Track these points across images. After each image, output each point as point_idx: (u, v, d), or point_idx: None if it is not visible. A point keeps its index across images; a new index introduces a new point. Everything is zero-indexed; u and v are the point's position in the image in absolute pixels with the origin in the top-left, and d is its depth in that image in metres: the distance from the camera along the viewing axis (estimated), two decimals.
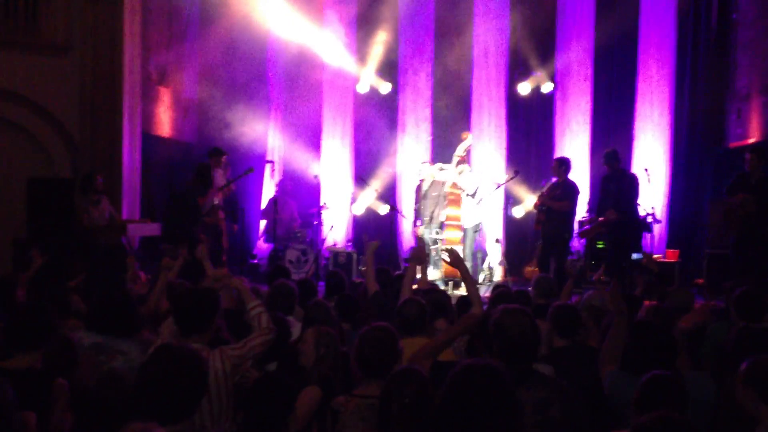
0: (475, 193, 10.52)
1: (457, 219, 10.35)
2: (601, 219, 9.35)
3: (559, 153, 11.78)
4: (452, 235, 10.25)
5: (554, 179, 9.77)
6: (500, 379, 2.73)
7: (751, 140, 10.52)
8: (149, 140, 10.63)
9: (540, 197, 9.68)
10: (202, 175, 9.45)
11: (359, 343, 3.44)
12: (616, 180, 9.21)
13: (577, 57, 11.89)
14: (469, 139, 10.61)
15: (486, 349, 4.04)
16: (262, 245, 12.13)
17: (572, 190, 9.59)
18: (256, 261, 11.92)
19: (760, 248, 8.43)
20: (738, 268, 8.39)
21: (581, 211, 10.91)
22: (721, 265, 9.44)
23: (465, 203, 10.44)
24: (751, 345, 3.90)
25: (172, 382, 2.60)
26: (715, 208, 9.87)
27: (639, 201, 9.60)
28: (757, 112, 10.59)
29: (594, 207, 11.03)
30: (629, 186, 9.23)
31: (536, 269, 9.77)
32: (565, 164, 9.69)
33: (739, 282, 5.94)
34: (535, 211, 9.78)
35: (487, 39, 12.13)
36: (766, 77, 10.28)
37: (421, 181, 11.21)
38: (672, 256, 10.45)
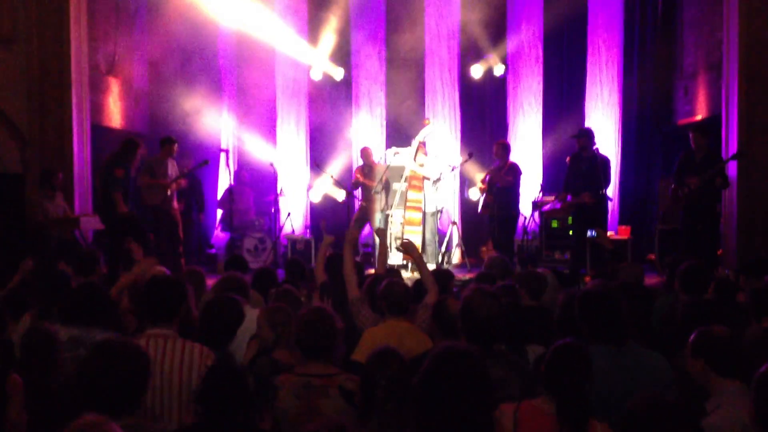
0: (438, 179, 10.67)
1: (419, 202, 10.41)
2: (573, 200, 9.32)
3: (512, 134, 11.94)
4: (413, 216, 10.31)
5: (496, 162, 10.11)
6: (474, 360, 2.80)
7: (699, 117, 10.75)
8: (99, 132, 10.48)
9: (483, 181, 9.95)
10: (125, 147, 9.27)
11: (298, 325, 3.54)
12: (588, 160, 9.21)
13: (527, 39, 12.00)
14: (430, 125, 10.66)
15: (444, 330, 4.09)
16: (220, 234, 12.07)
17: (518, 171, 10.00)
18: (213, 251, 11.86)
19: (707, 222, 8.65)
20: (687, 243, 8.59)
21: (535, 191, 11.06)
22: (671, 241, 9.66)
23: (427, 188, 10.55)
24: (698, 318, 4.02)
25: (113, 376, 2.62)
26: (664, 187, 10.07)
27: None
28: (703, 88, 10.81)
29: (548, 187, 11.22)
30: (604, 168, 9.29)
31: (492, 250, 9.90)
32: (507, 148, 10.14)
33: (681, 256, 6.10)
34: (482, 194, 9.97)
35: (439, 22, 12.16)
36: (711, 55, 10.49)
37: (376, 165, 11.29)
38: (624, 232, 10.66)
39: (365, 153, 11.25)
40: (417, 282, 5.78)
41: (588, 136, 9.37)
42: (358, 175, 11.15)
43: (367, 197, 11.06)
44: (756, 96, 9.08)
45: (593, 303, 3.67)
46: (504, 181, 9.80)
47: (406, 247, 5.32)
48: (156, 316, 3.65)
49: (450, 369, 2.75)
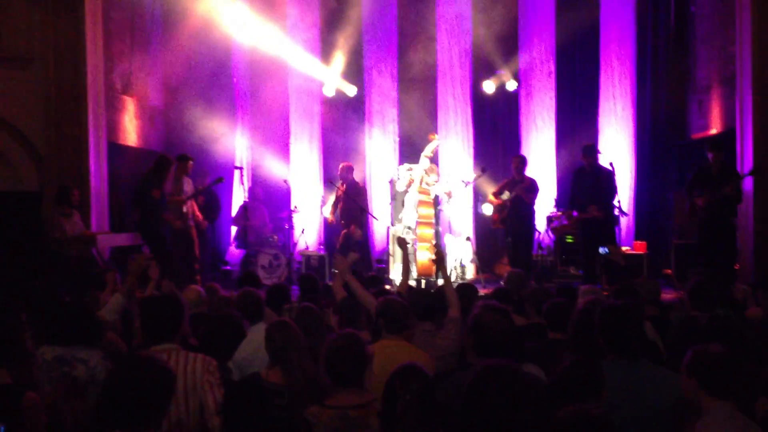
0: (450, 192, 10.71)
1: (430, 218, 10.42)
2: (580, 215, 9.27)
3: (525, 149, 11.93)
4: (425, 233, 10.31)
5: (510, 176, 10.11)
6: (519, 379, 2.76)
7: (713, 131, 10.72)
8: (115, 150, 10.57)
9: (496, 195, 9.92)
10: (159, 166, 9.45)
11: (327, 351, 3.40)
12: (592, 175, 9.20)
13: (539, 54, 12.02)
14: (436, 140, 10.70)
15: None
16: (234, 251, 12.10)
17: (537, 187, 9.96)
18: (228, 267, 11.89)
19: (723, 237, 8.60)
20: (703, 258, 8.54)
21: (549, 206, 11.07)
22: (688, 256, 9.61)
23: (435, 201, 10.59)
24: (698, 334, 3.98)
25: (139, 391, 2.64)
26: (679, 201, 10.04)
27: (617, 196, 9.57)
28: (717, 103, 10.79)
29: (563, 202, 11.21)
30: (608, 182, 9.27)
31: (507, 266, 9.89)
32: (525, 162, 10.08)
33: (700, 272, 6.07)
34: (497, 208, 9.93)
35: (451, 39, 12.21)
36: (724, 68, 10.47)
37: (392, 181, 11.33)
38: (639, 247, 10.60)
39: (348, 170, 11.12)
40: (462, 286, 5.77)
41: (594, 151, 9.37)
42: (340, 194, 11.00)
43: (348, 216, 10.95)
44: None
45: (615, 317, 3.64)
46: (528, 197, 9.78)
47: (438, 257, 5.37)
48: (157, 334, 3.74)
49: (496, 387, 2.71)
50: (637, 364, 3.59)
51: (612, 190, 9.30)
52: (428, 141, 10.66)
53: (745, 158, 9.26)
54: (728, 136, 9.84)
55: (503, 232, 10.02)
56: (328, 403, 3.30)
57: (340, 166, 11.25)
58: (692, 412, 3.19)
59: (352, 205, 10.75)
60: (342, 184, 11.01)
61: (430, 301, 4.88)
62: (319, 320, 4.69)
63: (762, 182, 9.02)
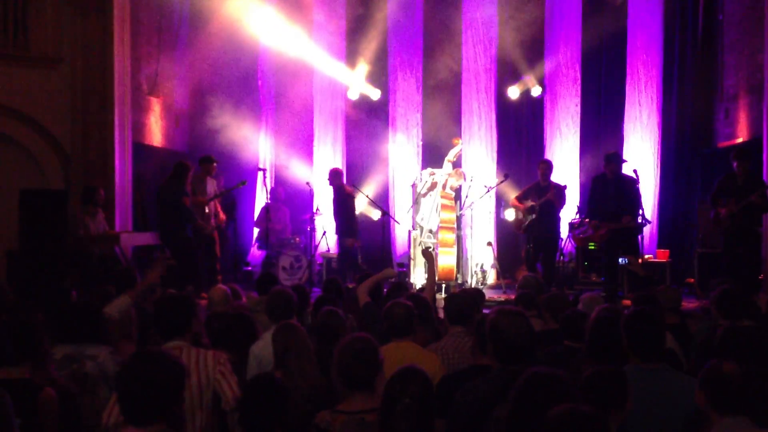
0: (471, 205, 10.70)
1: (452, 222, 10.41)
2: (611, 226, 9.11)
3: (549, 156, 11.86)
4: (447, 238, 10.30)
5: (535, 181, 9.94)
6: (566, 387, 2.76)
7: (739, 140, 10.60)
8: (141, 150, 10.69)
9: (519, 199, 9.80)
10: (179, 172, 9.50)
11: (339, 355, 3.34)
12: (614, 183, 9.07)
13: (565, 61, 11.98)
14: (459, 145, 10.69)
15: (480, 349, 4.06)
16: (256, 252, 12.17)
17: (565, 192, 9.79)
18: (249, 268, 11.95)
19: (748, 246, 8.49)
20: (727, 267, 8.44)
21: (572, 213, 11.00)
22: (711, 264, 9.51)
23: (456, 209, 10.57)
24: (733, 344, 3.94)
25: (150, 384, 2.67)
26: (703, 210, 9.92)
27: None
28: (744, 111, 10.67)
29: (584, 209, 11.12)
30: (634, 191, 9.13)
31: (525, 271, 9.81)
32: (551, 167, 9.90)
33: (725, 280, 6.00)
34: (521, 213, 9.81)
35: (476, 43, 12.20)
36: (752, 77, 10.36)
37: (414, 185, 11.34)
38: (662, 256, 10.51)
39: (335, 175, 10.89)
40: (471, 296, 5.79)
41: (618, 160, 9.22)
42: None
43: (337, 224, 10.88)
44: None
45: (640, 322, 3.68)
46: (559, 203, 9.68)
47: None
48: (168, 332, 3.81)
49: (543, 395, 2.70)
50: (658, 370, 3.60)
51: (638, 198, 9.18)
52: (452, 145, 10.66)
53: None
54: (755, 144, 9.73)
55: (525, 238, 9.91)
56: (340, 408, 3.26)
57: (329, 170, 11.14)
58: (706, 421, 3.17)
59: (338, 211, 10.76)
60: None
61: (461, 305, 4.89)
62: (342, 324, 4.69)
63: None
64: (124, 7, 9.98)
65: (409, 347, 4.25)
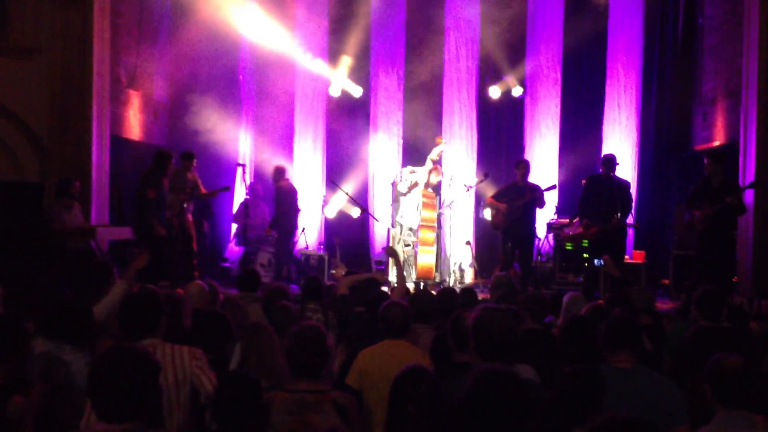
0: (451, 204, 10.71)
1: (432, 221, 10.42)
2: (600, 227, 9.17)
3: (528, 155, 11.94)
4: (427, 236, 10.31)
5: (513, 180, 9.99)
6: (521, 385, 2.77)
7: (716, 143, 10.71)
8: (119, 143, 10.59)
9: (499, 199, 9.82)
10: (158, 161, 9.48)
11: (290, 342, 3.49)
12: (609, 185, 9.12)
13: (546, 61, 12.04)
14: (442, 144, 10.70)
15: (456, 347, 4.07)
16: (234, 248, 12.11)
17: (542, 193, 9.80)
18: (227, 264, 11.90)
19: (723, 249, 8.59)
20: (702, 269, 8.52)
21: (550, 213, 11.08)
22: (686, 266, 9.61)
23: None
24: (711, 344, 4.00)
25: (122, 381, 2.64)
26: (680, 212, 10.03)
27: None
28: (722, 115, 10.78)
29: (564, 209, 11.20)
30: (627, 194, 9.30)
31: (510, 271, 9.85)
32: (530, 167, 9.98)
33: (700, 282, 6.07)
34: (500, 212, 9.84)
35: (458, 43, 12.23)
36: (731, 81, 10.46)
37: (394, 183, 11.34)
38: (638, 257, 10.60)
39: (277, 172, 11.03)
40: (464, 290, 5.84)
41: (614, 162, 9.29)
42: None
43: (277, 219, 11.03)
44: None
45: (618, 324, 3.76)
46: (541, 204, 9.75)
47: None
48: (139, 331, 3.73)
49: (494, 392, 2.71)
50: (633, 370, 3.63)
51: (630, 201, 9.33)
52: (434, 144, 10.67)
53: (748, 171, 9.26)
54: (731, 148, 9.84)
55: (502, 238, 9.93)
56: (288, 387, 3.40)
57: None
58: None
59: (280, 208, 10.90)
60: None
61: (423, 304, 4.94)
62: (292, 320, 4.72)
63: (762, 195, 9.02)
64: (104, 0, 9.88)
65: (402, 346, 4.30)
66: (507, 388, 2.71)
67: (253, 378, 3.25)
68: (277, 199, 10.92)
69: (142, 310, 3.76)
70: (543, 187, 10.02)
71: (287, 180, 11.09)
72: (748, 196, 9.09)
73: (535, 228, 10.00)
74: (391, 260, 10.24)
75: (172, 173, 9.88)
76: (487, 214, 11.26)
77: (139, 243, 9.29)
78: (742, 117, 9.50)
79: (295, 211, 11.01)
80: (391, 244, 11.00)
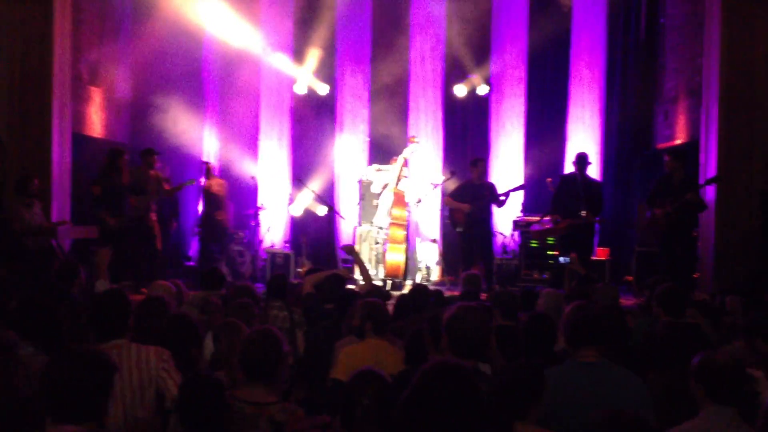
0: (419, 201, 10.73)
1: (403, 219, 10.41)
2: (571, 221, 9.30)
3: (494, 153, 12.03)
4: (397, 234, 10.29)
5: (469, 178, 10.10)
6: (470, 379, 2.74)
7: (678, 141, 10.86)
8: (80, 141, 10.42)
9: (457, 198, 9.88)
10: (109, 159, 9.42)
11: (242, 346, 3.44)
12: (583, 184, 9.24)
13: (511, 60, 12.11)
14: (416, 144, 10.69)
15: (434, 345, 4.07)
16: (197, 246, 11.99)
17: (497, 191, 10.04)
18: (191, 263, 11.78)
19: (684, 246, 8.73)
20: (664, 266, 8.65)
21: (515, 210, 11.16)
22: (649, 263, 9.73)
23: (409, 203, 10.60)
24: (675, 339, 4.05)
25: (75, 384, 2.62)
26: (642, 209, 10.17)
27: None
28: (683, 114, 10.93)
29: (529, 206, 11.29)
30: (600, 192, 9.48)
31: (474, 269, 9.91)
32: (486, 166, 10.13)
33: (661, 278, 6.15)
34: (461, 212, 9.91)
35: (424, 41, 12.25)
36: (691, 80, 10.62)
37: (360, 181, 11.32)
38: (602, 254, 10.72)
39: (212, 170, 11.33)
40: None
41: (586, 160, 9.41)
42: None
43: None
44: (735, 122, 9.21)
45: (580, 321, 3.78)
46: (499, 201, 9.90)
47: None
48: (106, 331, 3.69)
49: (441, 385, 2.68)
50: (596, 365, 3.66)
51: (602, 201, 9.49)
52: (408, 143, 10.66)
53: (708, 169, 9.40)
54: (692, 146, 9.98)
55: (462, 237, 10.02)
56: (236, 394, 3.36)
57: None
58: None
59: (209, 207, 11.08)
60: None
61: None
62: (252, 319, 4.68)
63: (723, 192, 9.16)
64: None
65: (383, 345, 4.38)
66: (454, 381, 2.70)
67: (217, 380, 3.21)
68: (204, 194, 10.95)
69: (111, 311, 3.72)
70: (511, 187, 10.15)
71: (216, 178, 11.18)
72: (710, 192, 9.24)
73: (492, 225, 10.12)
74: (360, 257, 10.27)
75: (134, 171, 9.77)
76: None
77: (100, 241, 9.17)
78: (703, 115, 9.64)
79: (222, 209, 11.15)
80: (357, 243, 10.98)
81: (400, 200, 10.39)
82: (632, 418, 2.52)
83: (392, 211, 10.36)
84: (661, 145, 11.32)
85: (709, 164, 9.41)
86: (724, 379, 3.20)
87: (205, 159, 11.94)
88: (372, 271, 10.35)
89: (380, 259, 10.63)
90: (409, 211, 10.77)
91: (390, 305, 5.49)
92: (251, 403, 3.29)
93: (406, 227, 10.46)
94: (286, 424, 3.23)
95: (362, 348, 4.38)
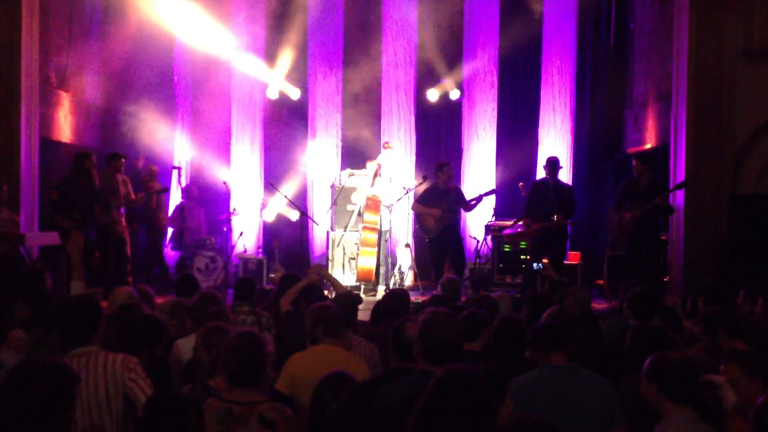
0: (392, 205, 10.72)
1: (375, 223, 10.39)
2: (543, 225, 9.35)
3: (466, 158, 12.07)
4: (369, 237, 10.27)
5: (434, 183, 10.13)
6: (484, 385, 2.75)
7: (648, 146, 10.97)
8: (48, 146, 10.28)
9: (426, 203, 9.90)
10: (74, 166, 9.32)
11: (226, 350, 3.43)
12: (555, 188, 9.34)
13: (483, 65, 12.15)
14: (390, 149, 10.68)
15: (401, 353, 4.03)
16: (169, 253, 11.87)
17: (473, 199, 10.17)
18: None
19: (650, 249, 8.82)
20: (632, 270, 8.72)
21: (488, 215, 11.19)
22: (620, 267, 9.81)
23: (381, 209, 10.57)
24: (644, 343, 4.08)
25: (34, 397, 2.57)
26: (612, 215, 10.27)
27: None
28: (652, 118, 11.05)
29: (500, 211, 11.32)
30: (571, 197, 9.59)
31: (450, 273, 9.93)
32: (451, 170, 10.27)
33: (634, 282, 6.20)
34: (432, 219, 9.94)
35: (396, 46, 12.25)
36: (661, 85, 10.73)
37: (333, 186, 11.29)
38: (574, 258, 10.78)
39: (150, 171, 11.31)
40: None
41: (556, 164, 9.50)
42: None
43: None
44: (703, 127, 9.33)
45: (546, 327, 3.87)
46: (468, 206, 10.02)
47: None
48: (76, 337, 3.62)
49: (458, 393, 2.68)
50: (569, 369, 3.69)
51: (574, 206, 9.62)
52: (382, 148, 10.66)
53: (678, 173, 9.50)
54: (662, 151, 10.09)
55: (432, 242, 10.06)
56: (223, 396, 3.36)
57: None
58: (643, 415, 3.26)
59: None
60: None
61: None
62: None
63: (693, 197, 9.27)
64: None
65: (337, 351, 4.26)
66: (471, 388, 2.71)
67: (182, 398, 3.16)
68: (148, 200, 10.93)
69: (81, 317, 3.64)
70: (482, 192, 10.21)
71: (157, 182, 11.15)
72: (679, 197, 9.34)
73: (463, 230, 10.22)
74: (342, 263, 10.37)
75: (102, 176, 9.66)
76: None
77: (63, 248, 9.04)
78: (673, 120, 9.74)
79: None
80: (330, 248, 10.95)
81: (373, 205, 10.37)
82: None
83: (364, 216, 10.34)
84: (632, 150, 11.43)
85: (679, 168, 9.51)
86: (678, 377, 3.20)
87: (176, 164, 11.82)
88: (345, 277, 10.34)
89: (354, 264, 10.60)
90: (381, 217, 10.76)
91: (364, 310, 5.48)
92: (240, 403, 3.29)
93: (378, 232, 10.45)
94: (276, 423, 3.21)
95: (308, 355, 4.25)
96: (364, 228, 10.29)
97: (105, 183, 9.64)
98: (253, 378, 3.37)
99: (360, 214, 10.37)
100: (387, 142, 11.01)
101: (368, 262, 10.18)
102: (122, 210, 9.83)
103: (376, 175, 10.44)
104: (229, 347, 3.41)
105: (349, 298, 5.27)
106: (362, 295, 9.41)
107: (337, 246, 10.85)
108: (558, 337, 3.80)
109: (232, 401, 3.30)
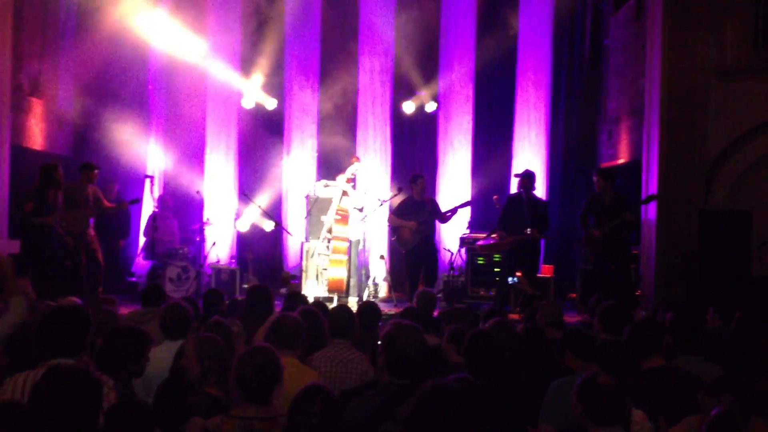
0: (362, 208, 10.69)
1: (344, 234, 10.35)
2: (515, 237, 9.38)
3: (441, 170, 12.10)
4: (339, 245, 10.22)
5: (410, 195, 10.12)
6: (465, 400, 2.75)
7: (621, 161, 11.08)
8: (20, 153, 10.14)
9: (402, 216, 9.90)
10: (41, 176, 9.24)
11: (239, 365, 3.30)
12: (529, 202, 9.39)
13: (459, 78, 12.22)
14: (358, 163, 10.66)
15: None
16: (141, 262, 11.76)
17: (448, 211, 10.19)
18: (134, 279, 11.52)
19: (620, 263, 8.90)
20: (602, 284, 8.78)
21: (462, 227, 11.22)
22: (592, 280, 9.86)
23: (352, 219, 10.51)
24: (613, 357, 4.10)
25: (65, 402, 2.56)
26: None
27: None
28: (626, 133, 11.16)
29: (475, 223, 11.36)
30: (545, 211, 9.69)
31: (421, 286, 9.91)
32: (425, 182, 10.21)
33: (604, 296, 6.24)
34: (409, 230, 9.93)
35: (373, 58, 12.28)
36: (634, 101, 10.85)
37: (308, 197, 11.23)
38: (547, 271, 10.83)
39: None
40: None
41: (532, 178, 9.54)
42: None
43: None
44: (675, 142, 9.44)
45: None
46: (443, 218, 10.10)
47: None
48: (58, 347, 3.47)
49: (442, 407, 2.69)
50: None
51: (548, 220, 9.71)
52: (350, 162, 10.61)
53: (650, 188, 9.60)
54: (635, 166, 10.19)
55: (407, 254, 10.04)
56: (233, 413, 3.22)
57: None
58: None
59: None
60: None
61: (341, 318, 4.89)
62: (230, 335, 4.57)
63: (664, 211, 9.36)
64: (5, 3, 9.47)
65: (289, 363, 4.18)
66: (454, 403, 2.72)
67: (144, 407, 3.09)
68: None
69: (66, 328, 3.49)
70: (457, 204, 10.24)
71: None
72: (651, 211, 9.43)
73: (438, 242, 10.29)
74: (316, 274, 10.34)
75: (70, 186, 9.56)
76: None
77: (24, 258, 8.92)
78: (645, 135, 9.85)
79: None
80: (304, 259, 10.90)
81: (342, 218, 10.34)
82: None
83: (334, 227, 10.31)
84: (605, 164, 11.53)
85: (651, 183, 9.61)
86: (602, 401, 3.17)
87: (149, 173, 11.72)
88: (317, 287, 10.30)
89: (324, 276, 10.55)
90: (350, 228, 10.73)
91: None
92: (260, 418, 3.19)
93: (349, 242, 10.42)
94: None
95: None
96: (334, 238, 10.26)
97: (75, 193, 9.55)
98: (267, 395, 3.25)
99: (329, 231, 10.30)
100: (355, 156, 10.98)
101: (338, 273, 10.14)
102: (91, 221, 9.72)
103: (343, 194, 10.38)
104: (244, 362, 3.29)
105: (345, 309, 5.19)
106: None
107: (311, 257, 10.80)
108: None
109: (250, 417, 3.18)
